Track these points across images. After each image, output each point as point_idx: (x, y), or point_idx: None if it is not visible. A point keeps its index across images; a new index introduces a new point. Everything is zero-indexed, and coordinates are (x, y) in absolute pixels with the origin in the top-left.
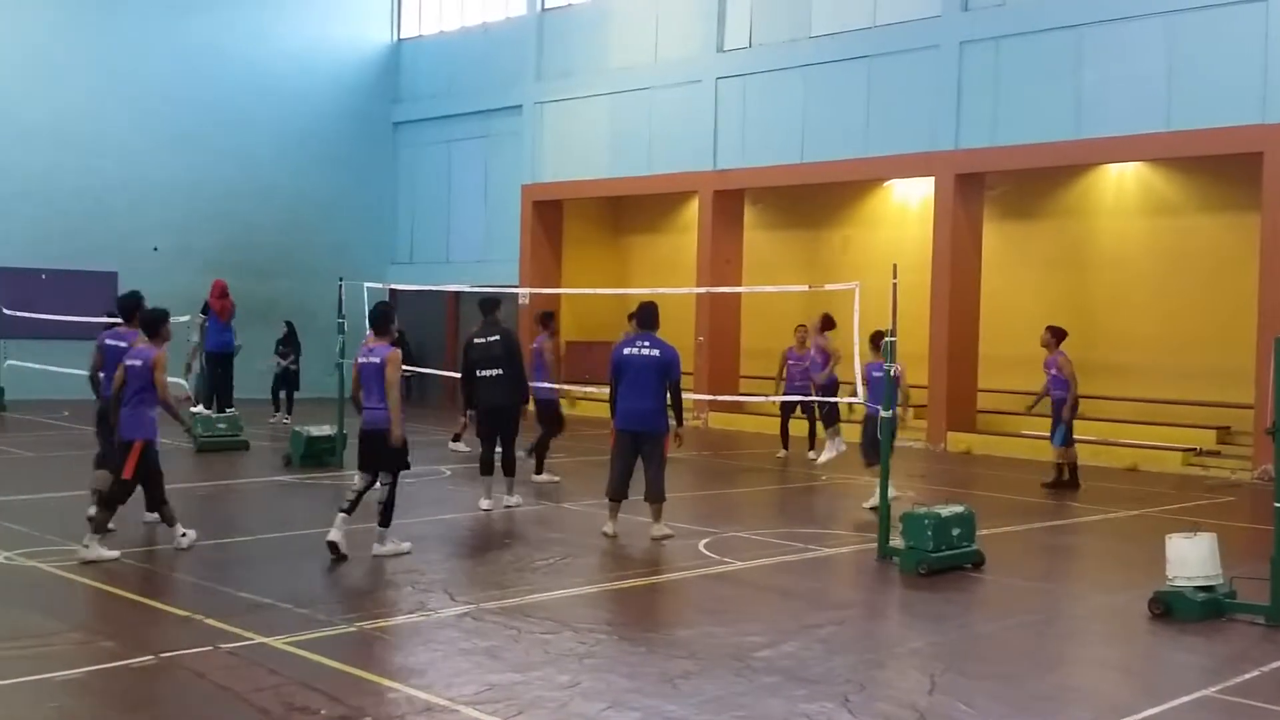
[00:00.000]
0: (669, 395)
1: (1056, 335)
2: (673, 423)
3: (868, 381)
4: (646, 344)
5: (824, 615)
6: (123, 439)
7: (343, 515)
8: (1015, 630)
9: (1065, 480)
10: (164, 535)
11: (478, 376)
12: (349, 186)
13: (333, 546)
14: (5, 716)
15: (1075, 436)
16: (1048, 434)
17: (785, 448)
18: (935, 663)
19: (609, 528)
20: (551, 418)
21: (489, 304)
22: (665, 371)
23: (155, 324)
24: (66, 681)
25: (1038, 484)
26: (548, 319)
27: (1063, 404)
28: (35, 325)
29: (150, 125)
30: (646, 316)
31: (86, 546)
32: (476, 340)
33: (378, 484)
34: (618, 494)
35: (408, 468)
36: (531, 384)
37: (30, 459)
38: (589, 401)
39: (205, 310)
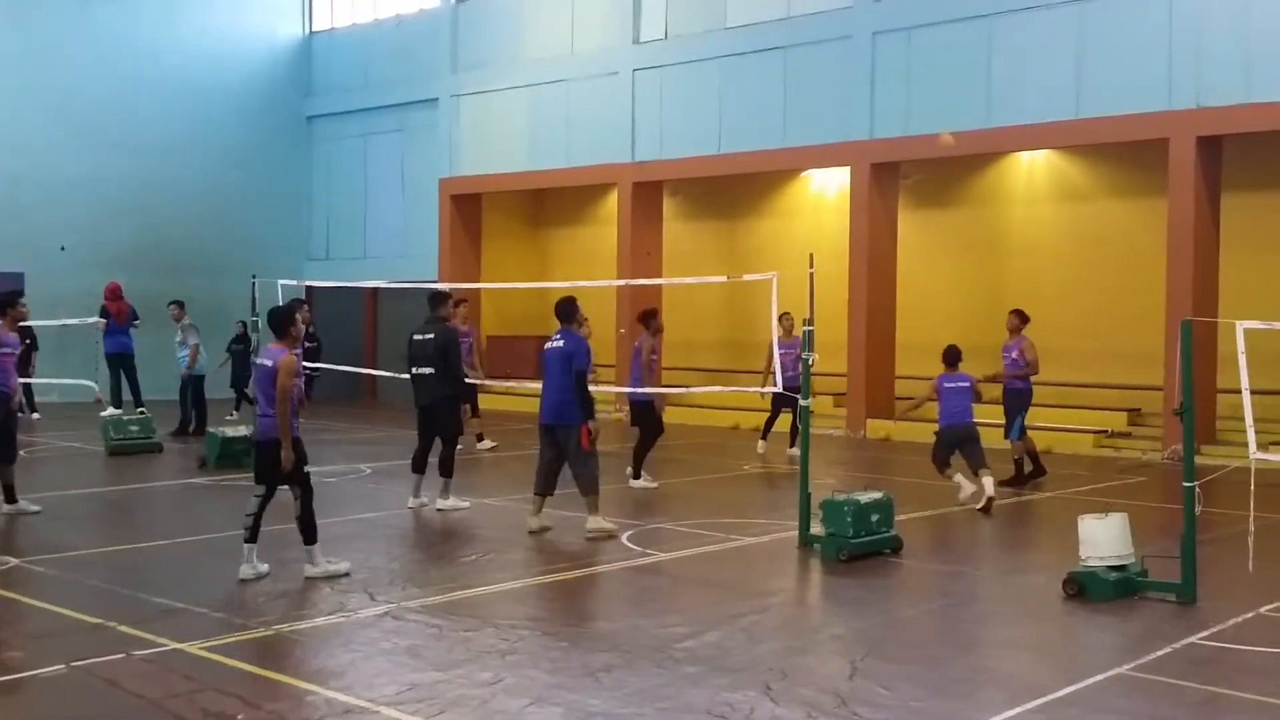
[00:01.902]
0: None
1: (1023, 319)
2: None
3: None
4: (558, 338)
5: (746, 604)
6: None
7: (250, 547)
8: (934, 614)
9: (1029, 473)
10: (72, 541)
11: (413, 374)
12: (263, 181)
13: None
14: None
15: (988, 421)
16: (974, 421)
17: (764, 439)
18: (856, 648)
19: (532, 523)
20: (648, 421)
21: (433, 300)
22: (568, 362)
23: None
24: None
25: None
26: (649, 317)
27: (1018, 394)
28: None
29: (58, 120)
30: (561, 310)
31: None
32: (415, 337)
33: (292, 497)
34: (538, 488)
35: (306, 476)
36: (629, 387)
37: None
38: (512, 396)
39: (104, 313)
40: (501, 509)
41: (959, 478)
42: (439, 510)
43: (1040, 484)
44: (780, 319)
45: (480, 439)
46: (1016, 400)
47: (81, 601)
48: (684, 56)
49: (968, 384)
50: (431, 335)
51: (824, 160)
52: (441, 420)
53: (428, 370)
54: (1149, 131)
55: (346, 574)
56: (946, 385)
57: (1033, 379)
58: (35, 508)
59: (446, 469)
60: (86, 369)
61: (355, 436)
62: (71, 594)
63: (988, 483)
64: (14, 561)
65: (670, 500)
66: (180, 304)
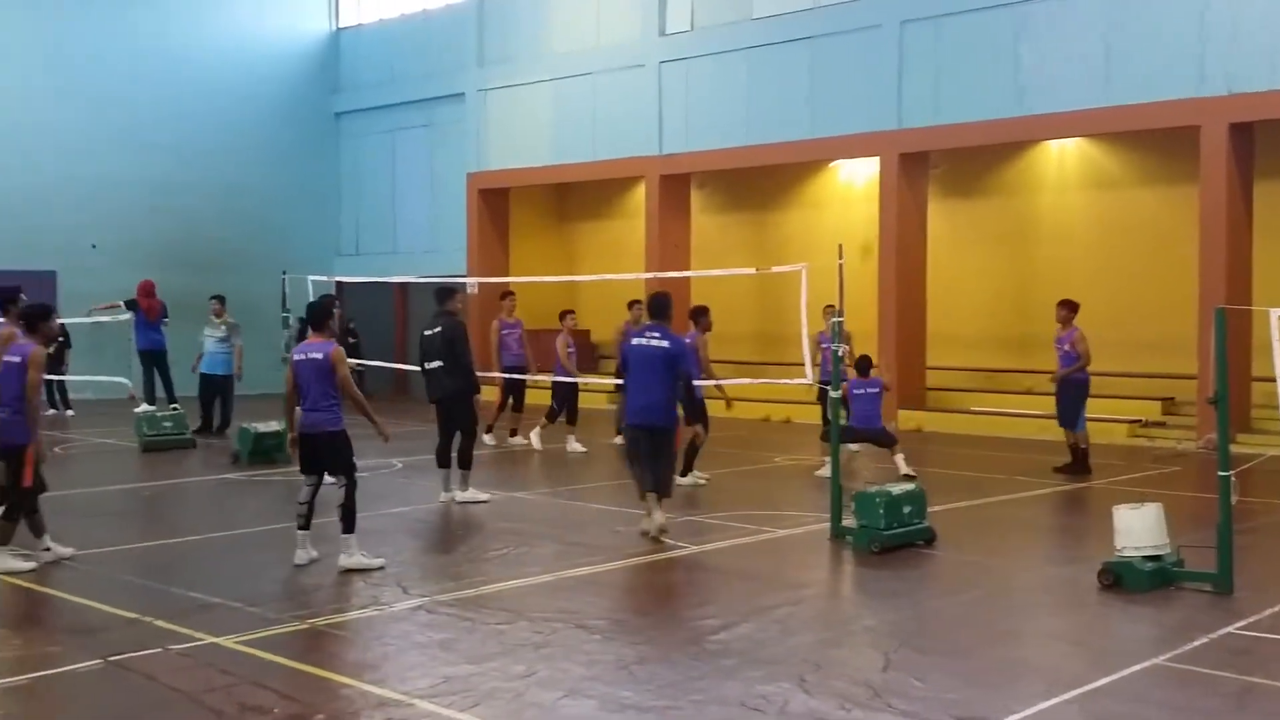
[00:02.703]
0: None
1: (1073, 309)
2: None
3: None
4: (656, 335)
5: (779, 596)
6: (11, 445)
7: (303, 534)
8: (967, 605)
9: (1069, 464)
10: (107, 537)
11: (425, 369)
12: (292, 179)
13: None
14: None
15: (1021, 412)
16: (1003, 411)
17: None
18: (889, 640)
19: (649, 524)
20: (704, 418)
21: (441, 294)
22: (673, 364)
23: (34, 319)
24: (12, 689)
25: (987, 460)
26: (700, 314)
27: (1078, 385)
28: None
29: (88, 121)
30: (656, 306)
31: None
32: (425, 332)
33: (336, 487)
34: (649, 486)
35: (354, 467)
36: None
37: None
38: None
39: (133, 308)
40: (533, 502)
41: (899, 458)
42: (458, 502)
43: (1083, 479)
44: (824, 310)
45: (514, 434)
46: (1078, 391)
47: (117, 596)
48: (710, 48)
49: (877, 390)
50: (439, 329)
51: (852, 151)
52: (457, 413)
53: (437, 364)
54: (1180, 118)
55: (380, 568)
56: (855, 391)
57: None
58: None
59: (465, 461)
60: (120, 366)
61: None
62: (107, 589)
63: (899, 460)
64: (70, 551)
65: (702, 493)
66: (222, 299)
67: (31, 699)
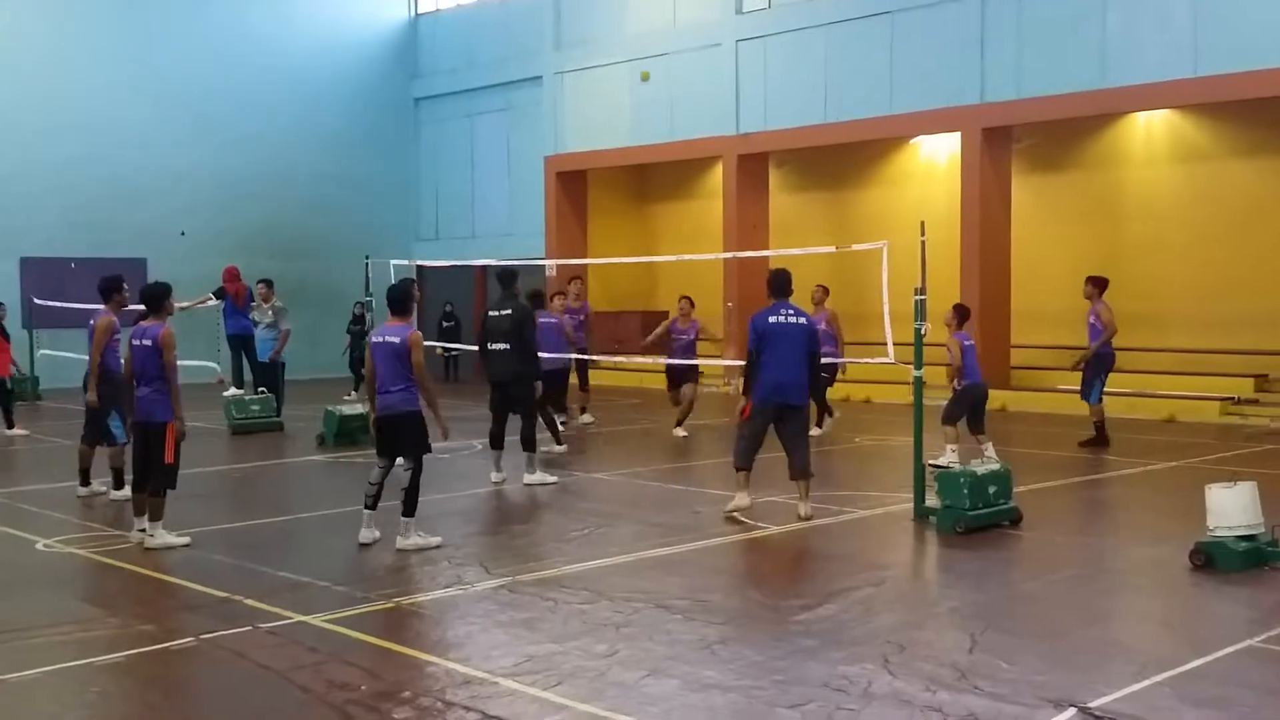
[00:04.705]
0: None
1: (1098, 285)
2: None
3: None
4: (791, 312)
5: (861, 577)
6: (151, 421)
7: (369, 513)
8: (1055, 586)
9: (1090, 439)
10: (199, 518)
11: (489, 349)
12: (372, 164)
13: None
14: (48, 702)
15: (1110, 390)
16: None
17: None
18: (975, 621)
19: (743, 500)
20: (822, 395)
21: (506, 277)
22: (811, 341)
23: (157, 299)
24: (108, 666)
25: (1074, 439)
26: (825, 294)
27: (1101, 358)
28: (66, 315)
29: (173, 111)
30: (783, 283)
31: (150, 535)
32: (490, 313)
33: (403, 470)
34: (749, 462)
35: (429, 451)
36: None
37: (66, 447)
38: (619, 372)
39: (222, 296)
40: (611, 483)
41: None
42: (526, 485)
43: (1106, 452)
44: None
45: (583, 411)
46: (1100, 364)
47: (209, 576)
48: (788, 25)
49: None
50: (508, 311)
51: (934, 126)
52: (518, 396)
53: (503, 346)
54: (1271, 88)
55: (438, 545)
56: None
57: (1114, 344)
58: (114, 493)
59: (530, 444)
60: (209, 351)
61: (465, 414)
62: (199, 569)
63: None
64: (187, 540)
65: (782, 474)
66: (269, 283)
67: (127, 676)
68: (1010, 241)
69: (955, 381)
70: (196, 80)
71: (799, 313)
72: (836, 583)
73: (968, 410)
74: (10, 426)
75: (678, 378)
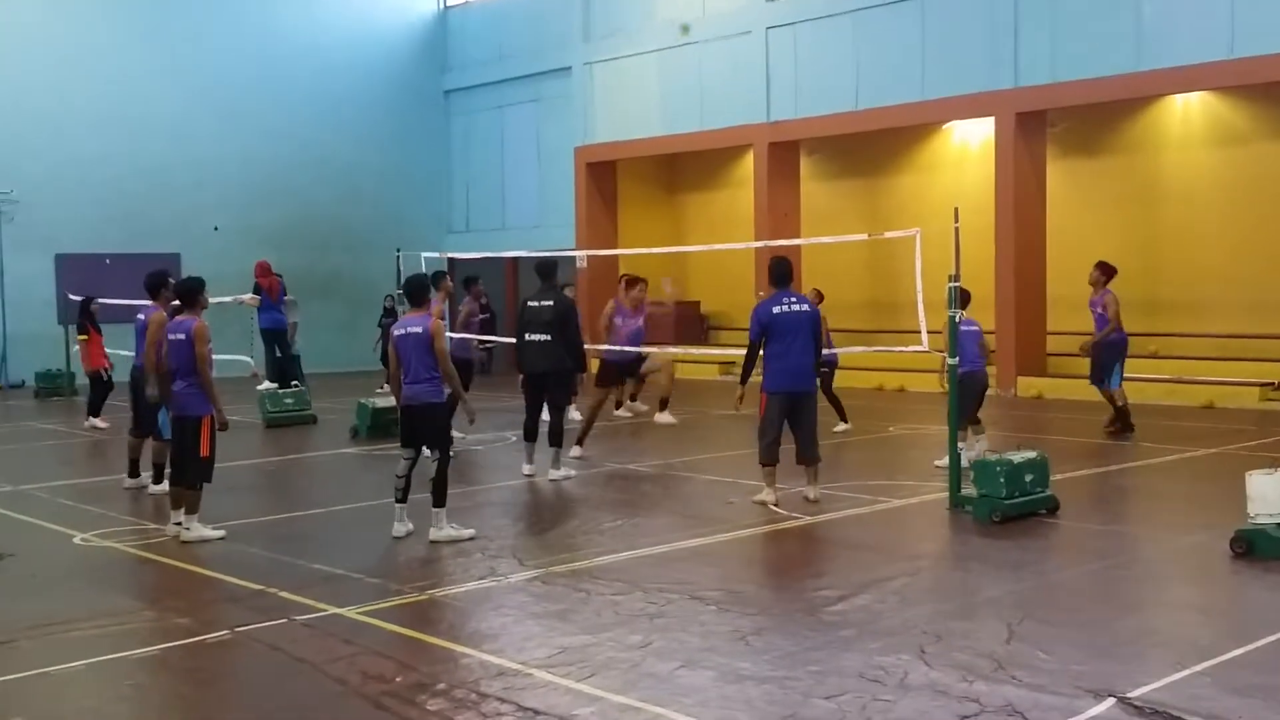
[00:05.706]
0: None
1: (1107, 272)
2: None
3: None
4: (794, 300)
5: (897, 567)
6: (186, 415)
7: (400, 507)
8: (1093, 575)
9: (1111, 420)
10: (233, 511)
11: (526, 340)
12: (403, 157)
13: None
14: (84, 695)
15: (1148, 376)
16: (1126, 376)
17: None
18: (1012, 611)
19: (769, 495)
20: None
21: (546, 268)
22: (815, 328)
23: (191, 294)
24: (144, 659)
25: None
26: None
27: (1112, 345)
28: (101, 310)
29: (204, 105)
30: (785, 272)
31: (186, 528)
32: (530, 303)
33: (429, 460)
34: (774, 456)
35: (451, 442)
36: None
37: (102, 441)
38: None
39: (258, 291)
40: (645, 475)
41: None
42: (551, 481)
43: (1128, 438)
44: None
45: (634, 397)
46: (1112, 351)
47: (244, 569)
48: (818, 11)
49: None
50: (550, 302)
51: (966, 111)
52: (554, 387)
53: (543, 337)
54: None
55: (471, 538)
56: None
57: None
58: (153, 487)
59: (556, 438)
60: (242, 344)
61: (500, 405)
62: (234, 562)
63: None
64: (222, 533)
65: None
66: (278, 276)
67: (162, 669)
68: (1046, 228)
69: (943, 380)
70: (228, 75)
71: (801, 299)
72: (871, 573)
73: (973, 401)
74: (95, 415)
75: (628, 370)
